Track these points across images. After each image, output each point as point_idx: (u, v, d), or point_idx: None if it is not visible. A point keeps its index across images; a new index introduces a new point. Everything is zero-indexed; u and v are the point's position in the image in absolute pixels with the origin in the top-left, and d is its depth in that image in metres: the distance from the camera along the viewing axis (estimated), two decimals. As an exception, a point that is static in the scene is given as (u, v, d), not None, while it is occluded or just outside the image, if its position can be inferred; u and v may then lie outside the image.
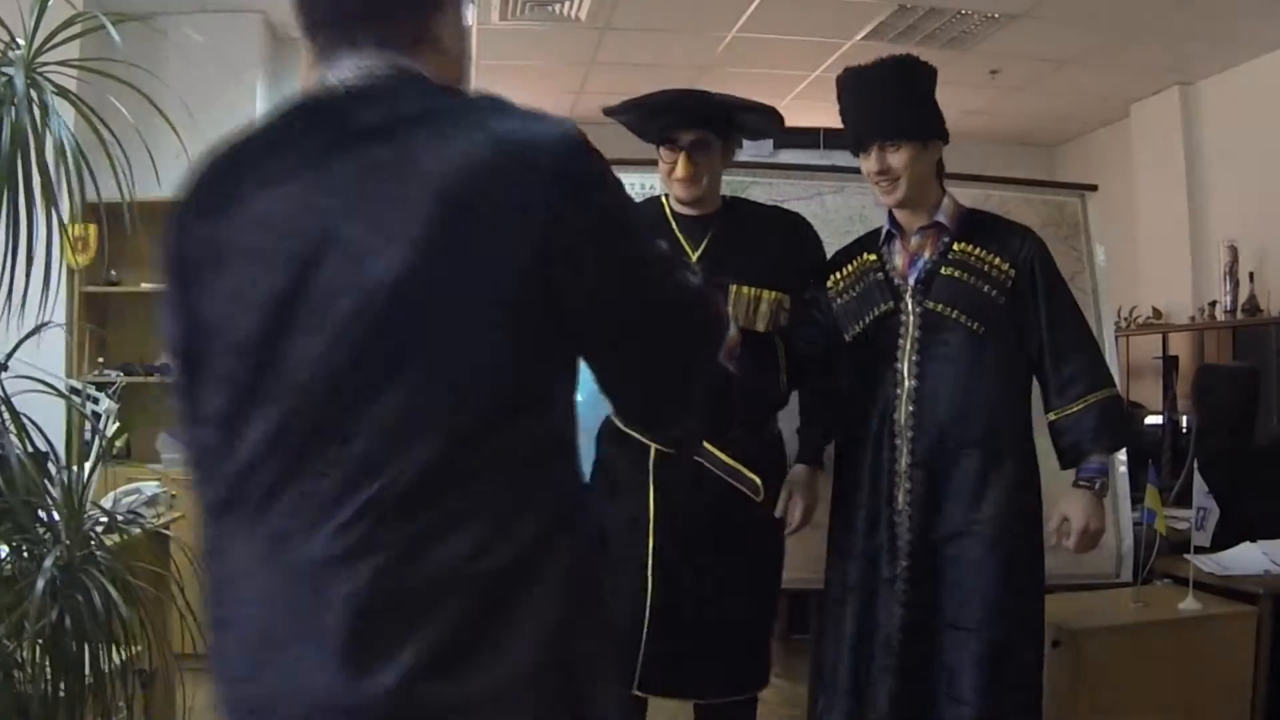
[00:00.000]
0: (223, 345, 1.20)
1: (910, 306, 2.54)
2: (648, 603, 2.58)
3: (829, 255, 2.79)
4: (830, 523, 2.69)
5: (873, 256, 2.62)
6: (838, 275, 2.66)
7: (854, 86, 2.61)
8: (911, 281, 2.55)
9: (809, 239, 2.76)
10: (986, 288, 2.50)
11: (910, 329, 2.53)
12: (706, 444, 2.58)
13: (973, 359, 2.49)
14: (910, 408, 2.50)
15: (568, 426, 1.26)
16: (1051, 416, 2.54)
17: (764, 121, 2.78)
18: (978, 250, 2.53)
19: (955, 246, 2.54)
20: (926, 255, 2.57)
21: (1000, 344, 2.51)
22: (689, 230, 2.68)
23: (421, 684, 1.11)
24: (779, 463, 2.76)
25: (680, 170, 2.61)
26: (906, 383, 2.51)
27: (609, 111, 2.73)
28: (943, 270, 2.53)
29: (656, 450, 2.60)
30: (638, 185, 3.24)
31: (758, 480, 2.61)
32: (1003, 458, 2.48)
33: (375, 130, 1.20)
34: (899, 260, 2.59)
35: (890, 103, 2.54)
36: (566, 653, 1.18)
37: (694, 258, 2.62)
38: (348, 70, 1.27)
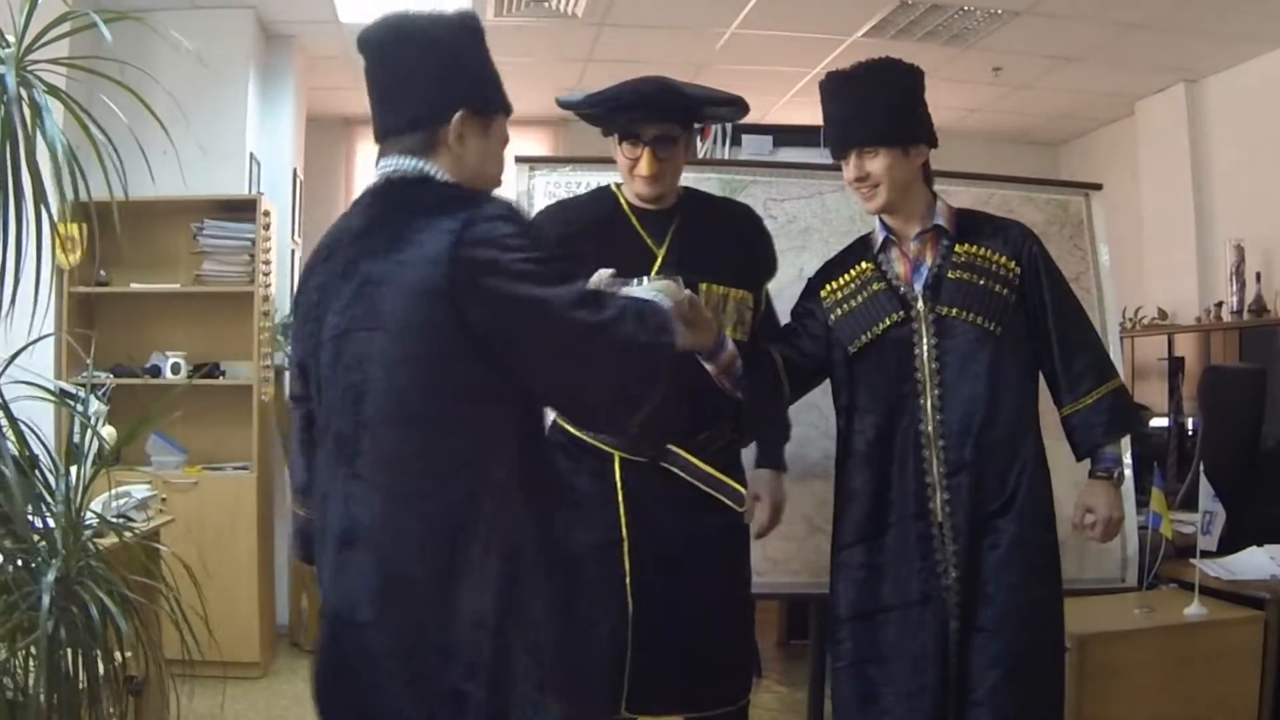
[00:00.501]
0: (309, 367, 1.87)
1: (922, 314, 2.51)
2: (629, 621, 2.52)
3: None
4: (839, 541, 2.62)
5: (869, 265, 2.59)
6: (833, 285, 2.62)
7: (832, 92, 2.58)
8: (919, 288, 2.52)
9: (763, 233, 2.71)
10: (997, 287, 2.49)
11: (925, 337, 2.50)
12: (685, 453, 2.53)
13: (992, 359, 2.47)
14: (938, 416, 2.47)
15: (500, 426, 1.74)
16: (1064, 412, 2.55)
17: (730, 113, 2.72)
18: (981, 250, 2.52)
19: (958, 248, 2.52)
20: (929, 260, 2.54)
21: (1014, 341, 2.50)
22: (650, 226, 2.59)
23: (367, 612, 1.69)
24: (739, 466, 2.71)
25: (644, 167, 2.51)
26: (930, 392, 2.48)
27: (564, 104, 2.65)
28: (950, 274, 2.51)
29: (621, 460, 2.53)
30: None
31: (741, 489, 2.57)
32: (1024, 454, 2.48)
33: (367, 225, 1.81)
34: (900, 268, 2.57)
35: (867, 108, 2.51)
36: (490, 609, 1.68)
37: (659, 256, 2.54)
38: (377, 174, 1.86)
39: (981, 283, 2.49)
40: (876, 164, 2.48)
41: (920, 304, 2.51)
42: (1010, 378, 2.49)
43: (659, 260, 2.53)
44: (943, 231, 2.55)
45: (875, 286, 2.55)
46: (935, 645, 2.44)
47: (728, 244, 2.61)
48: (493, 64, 1.88)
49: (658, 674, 2.55)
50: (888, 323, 2.52)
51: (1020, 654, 2.40)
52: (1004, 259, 2.51)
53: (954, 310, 2.48)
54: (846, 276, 2.60)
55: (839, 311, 2.59)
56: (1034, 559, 2.46)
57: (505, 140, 1.91)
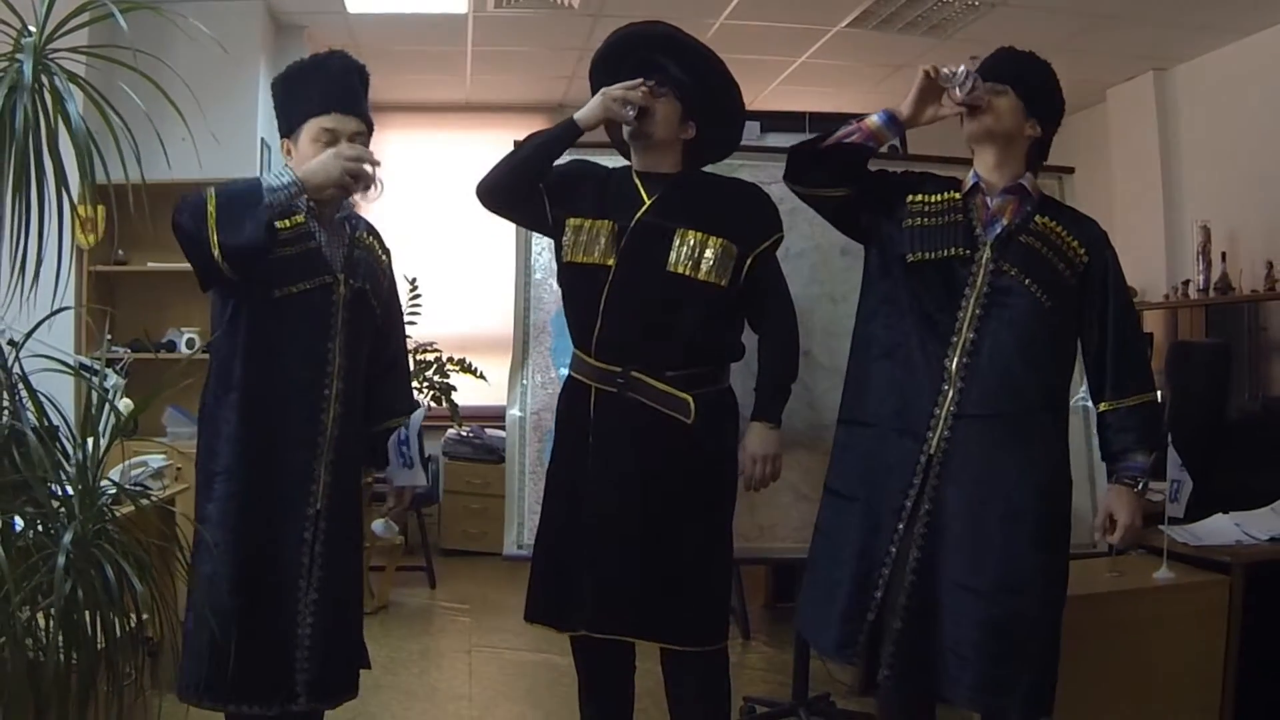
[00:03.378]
0: None
1: (984, 263, 2.51)
2: (587, 543, 2.72)
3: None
4: (838, 415, 2.71)
5: (956, 195, 2.59)
6: (920, 195, 2.61)
7: (999, 55, 2.64)
8: (990, 239, 2.53)
9: (765, 202, 2.87)
10: (1061, 265, 2.51)
11: (979, 283, 2.50)
12: (640, 375, 2.71)
13: (1035, 329, 2.47)
14: (965, 360, 2.47)
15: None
16: (1102, 408, 2.56)
17: (726, 128, 2.92)
18: (1058, 228, 2.53)
19: (1037, 219, 2.54)
20: (1006, 220, 2.55)
21: (1061, 321, 2.52)
22: (648, 184, 2.82)
23: None
24: (730, 413, 2.84)
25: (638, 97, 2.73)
26: (965, 334, 2.48)
27: (594, 65, 2.92)
28: (1021, 237, 2.52)
29: (595, 390, 2.75)
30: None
31: (688, 399, 2.71)
32: (1044, 430, 2.50)
33: None
34: (980, 214, 2.57)
35: (1018, 64, 2.59)
36: None
37: (646, 203, 2.77)
38: None
39: (1048, 255, 2.50)
40: (1000, 101, 2.52)
41: (987, 252, 2.52)
42: (1046, 352, 2.50)
43: (646, 205, 2.76)
44: (1027, 197, 2.56)
45: (954, 217, 2.56)
46: (867, 547, 2.49)
47: (719, 202, 2.81)
48: (297, 91, 2.68)
49: (612, 596, 2.69)
50: (952, 253, 2.53)
51: (1014, 619, 2.39)
52: (1076, 244, 2.52)
53: (1015, 270, 2.48)
54: (935, 197, 2.60)
55: (914, 220, 2.59)
56: (1035, 530, 2.44)
57: (313, 139, 2.62)
